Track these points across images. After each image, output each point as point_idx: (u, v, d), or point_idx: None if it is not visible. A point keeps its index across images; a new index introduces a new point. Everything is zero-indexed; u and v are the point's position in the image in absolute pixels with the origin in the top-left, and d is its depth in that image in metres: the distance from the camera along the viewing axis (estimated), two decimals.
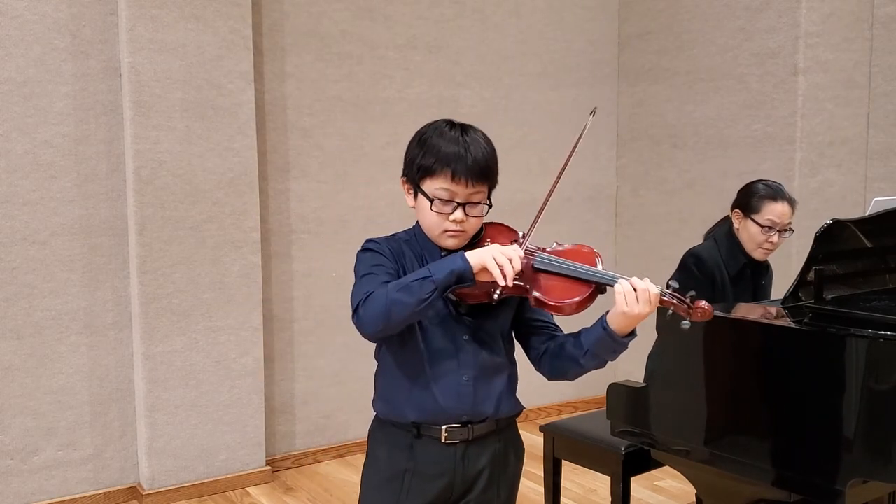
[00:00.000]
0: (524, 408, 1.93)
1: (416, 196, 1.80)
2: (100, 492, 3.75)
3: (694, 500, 3.32)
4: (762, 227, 2.92)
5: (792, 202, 2.97)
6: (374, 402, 1.90)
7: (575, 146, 1.83)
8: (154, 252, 3.66)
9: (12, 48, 3.46)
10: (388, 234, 1.89)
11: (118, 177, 3.71)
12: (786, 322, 2.30)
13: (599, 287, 1.74)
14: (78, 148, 3.62)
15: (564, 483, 3.29)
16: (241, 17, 3.78)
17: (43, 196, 3.56)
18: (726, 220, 3.11)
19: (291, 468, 4.17)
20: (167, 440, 3.75)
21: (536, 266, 1.76)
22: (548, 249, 1.81)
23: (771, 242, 2.95)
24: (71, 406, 3.67)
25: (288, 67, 4.07)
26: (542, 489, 3.21)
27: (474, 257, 1.66)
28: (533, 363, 1.91)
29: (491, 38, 4.67)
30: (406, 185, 1.83)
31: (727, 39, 4.42)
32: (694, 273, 2.95)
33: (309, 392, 4.23)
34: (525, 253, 1.75)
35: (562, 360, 1.84)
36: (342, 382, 4.25)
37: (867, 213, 2.83)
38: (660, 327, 2.46)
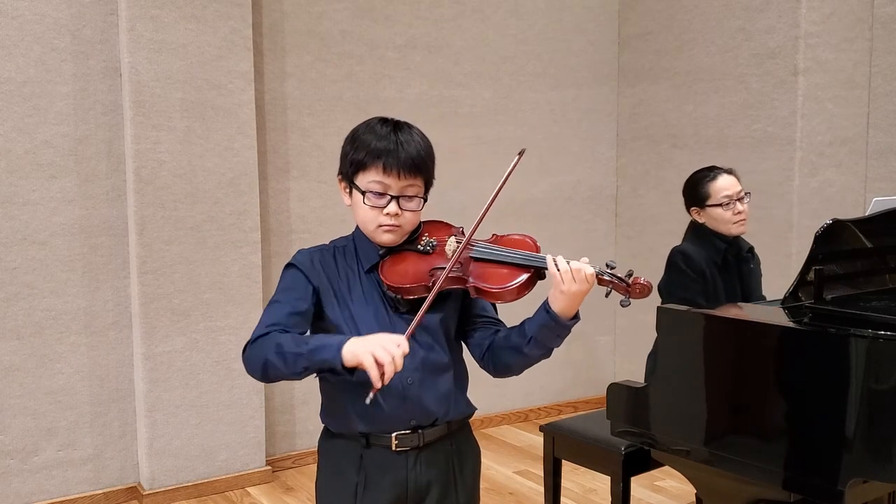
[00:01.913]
0: (476, 409, 1.89)
1: (351, 193, 1.80)
2: (100, 492, 3.76)
3: (694, 500, 3.32)
4: (722, 205, 2.98)
5: (731, 171, 3.06)
6: (321, 414, 1.86)
7: (503, 182, 1.76)
8: (154, 252, 3.66)
9: (12, 48, 3.46)
10: (328, 241, 1.87)
11: (118, 177, 3.71)
12: (786, 322, 2.30)
13: (538, 272, 1.72)
14: (78, 148, 3.62)
15: (564, 483, 3.29)
16: (241, 17, 3.78)
17: (43, 196, 3.56)
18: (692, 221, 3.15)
19: (291, 468, 4.17)
20: (167, 440, 3.75)
21: (474, 255, 1.75)
22: (485, 240, 1.79)
23: (738, 213, 2.99)
24: (71, 406, 3.67)
25: (288, 67, 4.08)
26: (542, 489, 3.21)
27: (350, 352, 1.56)
28: (477, 360, 1.87)
29: (491, 38, 4.67)
30: (342, 184, 1.83)
31: (727, 39, 4.42)
32: (684, 269, 2.96)
33: (309, 392, 4.23)
34: (464, 244, 1.73)
35: (505, 351, 1.80)
36: None
37: (867, 213, 2.82)
38: (660, 327, 2.46)
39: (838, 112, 4.22)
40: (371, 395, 1.56)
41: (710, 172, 3.04)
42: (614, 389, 2.61)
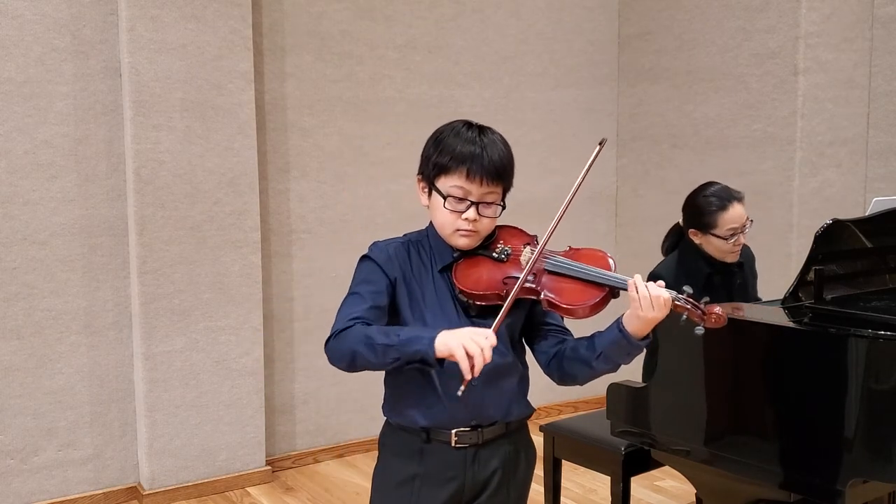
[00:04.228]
0: (535, 409, 1.92)
1: (430, 195, 1.81)
2: (100, 492, 3.76)
3: (694, 500, 3.32)
4: (726, 238, 2.83)
5: (741, 199, 2.87)
6: (383, 407, 1.90)
7: (586, 172, 1.81)
8: (154, 252, 3.66)
9: (12, 48, 3.46)
10: (397, 234, 1.89)
11: (118, 177, 3.71)
12: (786, 322, 2.30)
13: (613, 291, 1.73)
14: (78, 148, 3.62)
15: (564, 483, 3.29)
16: (241, 17, 3.78)
17: (43, 196, 3.56)
18: (679, 231, 3.01)
19: (291, 468, 4.17)
20: (167, 440, 3.75)
21: (549, 269, 1.76)
22: (561, 252, 1.80)
23: (738, 244, 2.86)
24: (71, 406, 3.67)
25: (288, 67, 4.07)
26: (542, 489, 3.21)
27: (443, 344, 1.61)
28: (542, 367, 1.89)
29: (491, 38, 4.67)
30: (421, 184, 1.84)
31: (727, 39, 4.42)
32: None
33: (309, 392, 4.23)
34: (538, 256, 1.75)
35: (573, 363, 1.83)
36: (342, 382, 4.25)
37: (867, 213, 2.82)
38: (659, 327, 2.45)
39: (838, 112, 4.22)
40: (463, 387, 1.60)
41: (718, 199, 2.84)
42: (614, 389, 2.61)
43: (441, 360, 1.63)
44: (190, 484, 3.81)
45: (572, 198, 1.78)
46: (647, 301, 1.68)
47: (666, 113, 4.79)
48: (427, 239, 1.85)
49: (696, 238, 2.91)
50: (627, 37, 5.04)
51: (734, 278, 2.99)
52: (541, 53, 4.84)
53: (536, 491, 3.71)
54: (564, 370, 1.85)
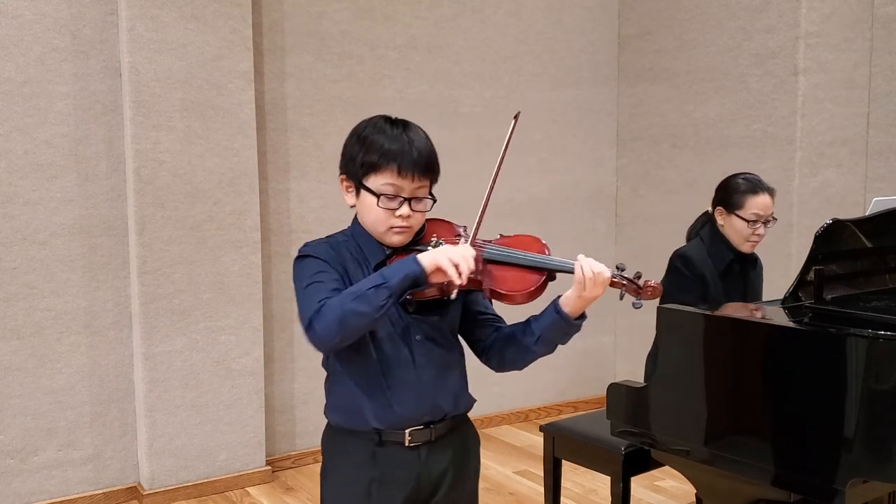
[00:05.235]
0: (475, 400, 1.92)
1: (357, 194, 1.78)
2: (100, 492, 3.76)
3: (694, 500, 3.32)
4: (748, 221, 2.95)
5: (772, 192, 3.00)
6: (326, 412, 1.86)
7: (504, 151, 1.84)
8: (154, 252, 3.66)
9: (12, 48, 3.46)
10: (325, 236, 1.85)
11: (118, 177, 3.71)
12: (786, 322, 2.30)
13: (550, 275, 1.75)
14: (78, 148, 3.62)
15: (564, 483, 3.29)
16: (241, 17, 3.78)
17: (43, 196, 3.56)
18: (706, 217, 3.12)
19: (291, 468, 4.17)
20: (167, 440, 3.75)
21: (487, 257, 1.75)
22: (494, 241, 1.80)
23: (757, 235, 2.98)
24: (71, 406, 3.67)
25: (288, 67, 4.08)
26: (542, 489, 3.21)
27: (427, 259, 1.63)
28: (479, 356, 1.90)
29: (491, 38, 4.67)
30: (345, 183, 1.82)
31: (727, 39, 4.42)
32: (684, 273, 2.95)
33: (309, 392, 4.23)
34: (471, 239, 1.75)
35: (512, 349, 1.84)
36: None
37: (867, 213, 2.83)
38: (660, 327, 2.46)
39: (838, 112, 4.22)
40: (455, 292, 1.65)
41: (751, 184, 2.97)
42: (614, 389, 2.61)
43: (423, 283, 1.64)
44: (190, 484, 3.81)
45: (495, 181, 1.81)
46: (591, 281, 1.69)
47: (666, 113, 4.79)
48: (353, 239, 1.81)
49: (720, 217, 3.02)
50: (627, 37, 5.04)
51: (749, 272, 3.10)
52: (541, 53, 4.84)
53: (536, 491, 3.72)
54: (504, 357, 1.86)
